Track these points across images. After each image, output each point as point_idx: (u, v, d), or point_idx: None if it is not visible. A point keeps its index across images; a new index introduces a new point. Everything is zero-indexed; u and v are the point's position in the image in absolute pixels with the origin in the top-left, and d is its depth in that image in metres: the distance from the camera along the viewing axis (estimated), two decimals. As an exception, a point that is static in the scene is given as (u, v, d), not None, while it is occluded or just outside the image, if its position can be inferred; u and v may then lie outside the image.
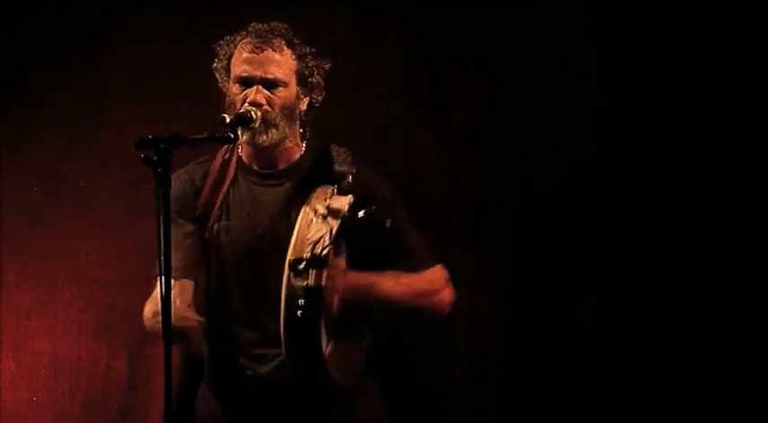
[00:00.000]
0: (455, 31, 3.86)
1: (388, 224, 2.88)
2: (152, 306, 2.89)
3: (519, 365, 3.81)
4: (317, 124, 3.09)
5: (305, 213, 2.78)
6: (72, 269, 4.05)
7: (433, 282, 3.00)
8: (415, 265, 2.98)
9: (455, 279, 3.77)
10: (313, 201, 2.81)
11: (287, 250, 2.75)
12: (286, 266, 2.73)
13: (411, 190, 3.81)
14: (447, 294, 3.02)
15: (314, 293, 2.71)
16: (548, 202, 3.82)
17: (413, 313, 2.99)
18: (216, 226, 2.98)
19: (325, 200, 2.79)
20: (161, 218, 2.57)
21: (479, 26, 3.84)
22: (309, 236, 2.74)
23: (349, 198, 2.81)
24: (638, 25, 3.74)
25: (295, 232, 2.76)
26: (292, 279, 2.72)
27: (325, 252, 2.72)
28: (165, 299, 2.57)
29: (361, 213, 2.79)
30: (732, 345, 3.66)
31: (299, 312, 2.70)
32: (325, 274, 2.72)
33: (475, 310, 3.84)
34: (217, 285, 2.97)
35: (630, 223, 3.75)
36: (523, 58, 3.81)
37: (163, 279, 2.57)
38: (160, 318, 2.58)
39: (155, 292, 2.88)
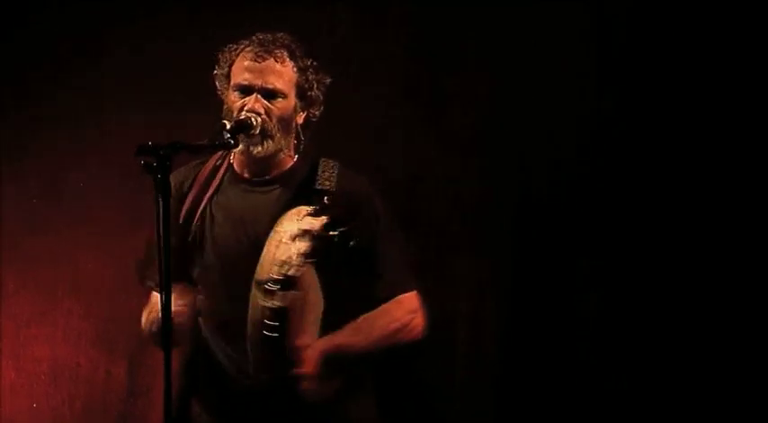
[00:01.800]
0: (455, 31, 3.85)
1: (352, 244, 2.86)
2: (147, 314, 2.92)
3: (519, 365, 3.81)
4: (317, 126, 3.08)
5: (275, 233, 2.78)
6: (72, 277, 4.05)
7: (403, 317, 2.98)
8: (387, 294, 2.97)
9: (455, 279, 3.82)
10: (285, 221, 2.80)
11: None
12: (253, 286, 2.74)
13: (411, 190, 3.83)
14: (419, 322, 3.00)
15: (279, 313, 2.72)
16: (548, 202, 3.81)
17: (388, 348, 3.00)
18: (197, 232, 2.98)
19: (298, 220, 2.78)
20: (160, 225, 2.56)
21: (479, 26, 3.83)
22: (277, 256, 2.73)
23: (322, 220, 2.79)
24: (638, 25, 3.72)
25: (264, 252, 2.76)
26: (258, 298, 2.74)
27: (292, 273, 2.72)
28: (165, 307, 2.57)
29: (331, 234, 2.79)
30: (732, 344, 3.66)
31: (264, 331, 2.72)
32: (290, 294, 2.72)
33: (475, 311, 3.84)
34: (205, 294, 2.97)
35: (630, 223, 3.74)
36: (523, 58, 3.80)
37: (163, 289, 2.56)
38: (153, 327, 2.58)
39: (151, 300, 2.92)
